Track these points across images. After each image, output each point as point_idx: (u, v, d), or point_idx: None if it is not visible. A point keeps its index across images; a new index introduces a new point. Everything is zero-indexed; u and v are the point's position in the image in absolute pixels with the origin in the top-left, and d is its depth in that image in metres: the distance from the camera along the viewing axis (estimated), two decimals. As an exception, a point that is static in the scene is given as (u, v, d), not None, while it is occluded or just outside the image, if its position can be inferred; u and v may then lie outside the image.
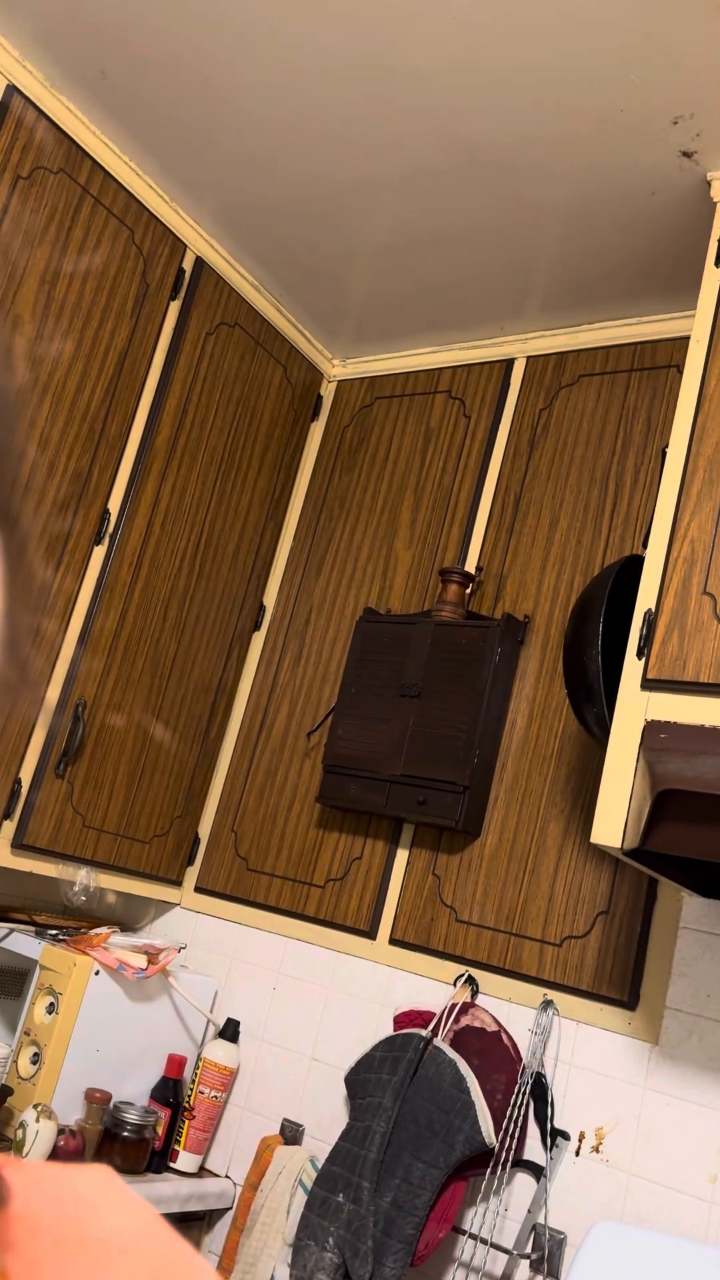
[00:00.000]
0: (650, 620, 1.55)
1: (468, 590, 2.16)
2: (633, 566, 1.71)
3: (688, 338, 1.82)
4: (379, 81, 1.77)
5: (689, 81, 1.63)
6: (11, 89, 1.89)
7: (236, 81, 1.85)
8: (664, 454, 1.67)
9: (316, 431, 2.61)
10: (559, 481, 2.17)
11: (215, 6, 1.71)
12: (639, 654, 1.54)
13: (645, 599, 1.57)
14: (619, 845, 1.45)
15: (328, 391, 2.63)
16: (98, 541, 2.09)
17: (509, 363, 2.34)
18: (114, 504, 2.12)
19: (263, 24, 1.72)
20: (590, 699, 1.64)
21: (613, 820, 1.46)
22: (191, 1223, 2.04)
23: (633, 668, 1.54)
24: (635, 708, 1.52)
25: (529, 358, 2.31)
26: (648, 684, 1.52)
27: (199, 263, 2.26)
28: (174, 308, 2.21)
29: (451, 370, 2.43)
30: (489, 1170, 1.75)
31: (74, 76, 1.93)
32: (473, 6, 1.59)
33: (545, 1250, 1.69)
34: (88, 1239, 0.30)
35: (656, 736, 1.47)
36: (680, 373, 1.96)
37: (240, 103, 1.90)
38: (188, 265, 2.24)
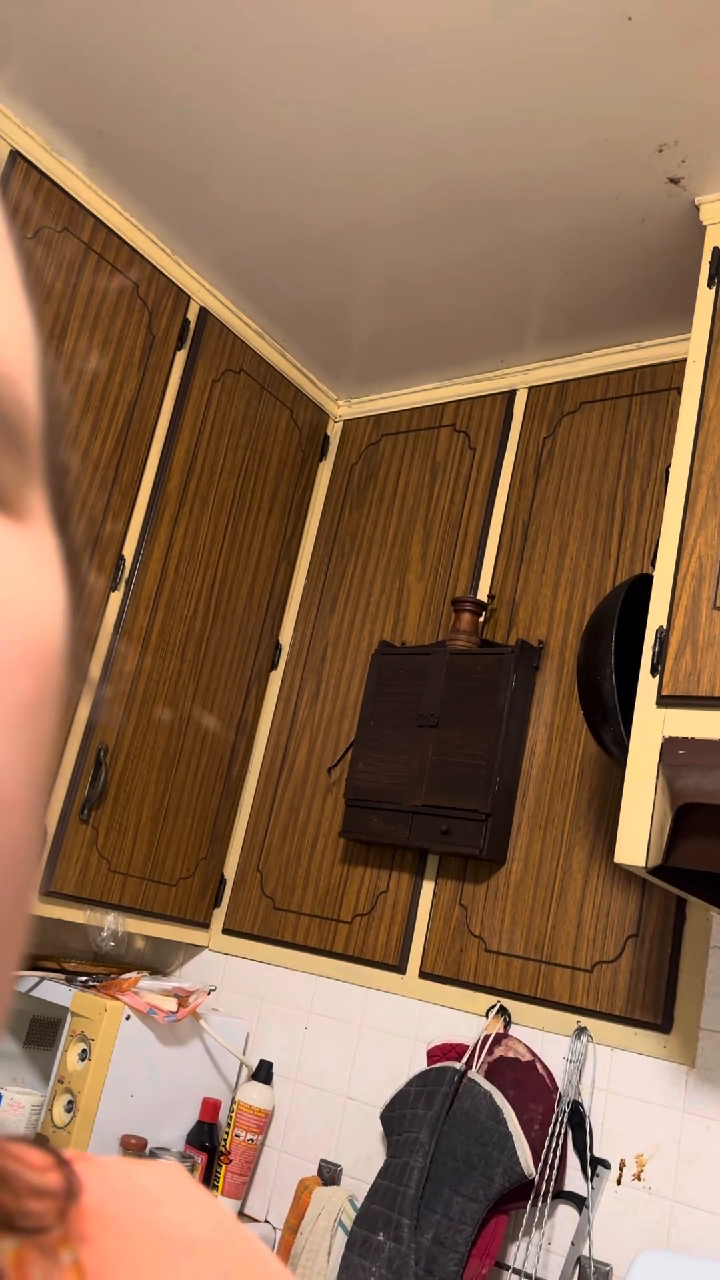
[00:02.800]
0: (662, 637, 1.56)
1: (481, 619, 2.17)
2: (642, 585, 1.72)
3: (685, 360, 1.84)
4: (370, 128, 1.82)
5: (671, 110, 1.66)
6: (14, 154, 1.96)
7: (231, 135, 1.91)
8: (667, 474, 1.69)
9: (325, 471, 2.64)
10: (566, 507, 2.19)
11: (209, 63, 1.77)
12: (653, 671, 1.55)
13: (656, 616, 1.58)
14: (643, 864, 1.45)
15: (334, 431, 2.67)
16: (114, 588, 2.12)
17: (511, 394, 2.37)
18: (128, 550, 2.15)
19: (255, 77, 1.77)
20: (607, 719, 1.64)
21: (635, 839, 1.46)
22: (232, 1270, 2.01)
23: (647, 685, 1.55)
24: (652, 725, 1.52)
25: (530, 388, 2.34)
26: (663, 701, 1.52)
27: (203, 312, 2.31)
28: (180, 357, 2.26)
29: (455, 404, 2.46)
30: (530, 1203, 1.72)
31: (73, 138, 1.99)
32: (457, 52, 1.64)
33: (591, 1283, 1.66)
34: (159, 1234, 0.30)
35: (675, 753, 1.47)
36: (680, 395, 1.99)
37: (236, 156, 1.95)
38: (192, 315, 2.29)
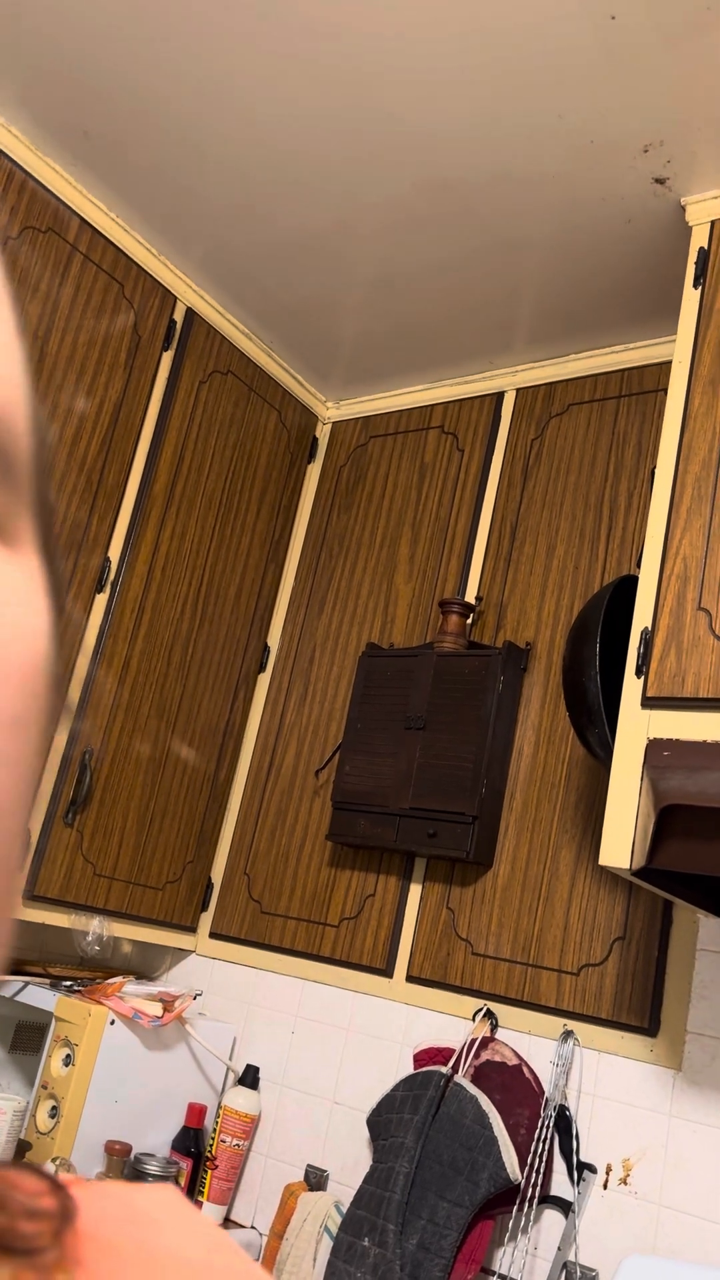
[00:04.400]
0: (647, 638, 1.55)
1: (468, 620, 2.16)
2: (628, 587, 1.72)
3: (672, 360, 1.83)
4: (356, 129, 1.81)
5: (655, 110, 1.66)
6: (-1, 154, 1.95)
7: (217, 135, 1.90)
8: (653, 475, 1.68)
9: (313, 472, 2.63)
10: (554, 509, 2.18)
11: (195, 64, 1.76)
12: (638, 672, 1.54)
13: (641, 618, 1.57)
14: (628, 865, 1.44)
15: (322, 433, 2.66)
16: (99, 589, 2.11)
17: (499, 395, 2.37)
18: (114, 552, 2.14)
19: (241, 78, 1.77)
20: (592, 721, 1.63)
21: (620, 841, 1.45)
22: (218, 1276, 2.00)
23: (632, 687, 1.54)
24: (637, 727, 1.51)
25: (519, 389, 2.34)
26: (648, 702, 1.51)
27: (189, 313, 2.30)
28: (166, 358, 2.25)
29: (443, 406, 2.46)
30: (516, 1208, 1.71)
31: (58, 138, 1.98)
32: (442, 52, 1.63)
33: (577, 1289, 1.64)
34: (155, 1258, 0.30)
35: (659, 754, 1.46)
36: (667, 396, 1.98)
37: (221, 156, 1.95)
38: (178, 316, 2.28)
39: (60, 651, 0.26)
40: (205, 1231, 0.33)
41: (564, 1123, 1.75)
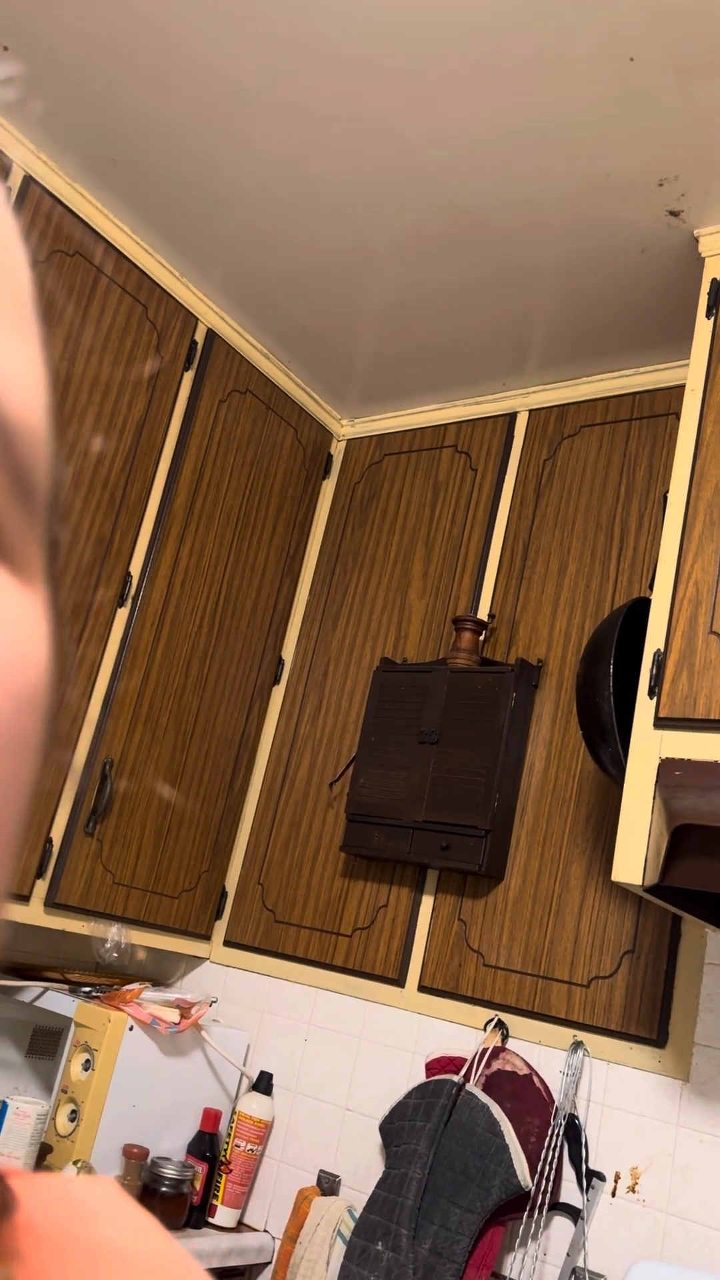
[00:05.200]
0: (660, 660, 1.59)
1: (481, 637, 2.21)
2: (640, 608, 1.76)
3: (684, 386, 1.88)
4: (374, 155, 1.86)
5: (670, 145, 1.71)
6: (28, 179, 2.00)
7: (238, 163, 1.95)
8: (665, 499, 1.73)
9: (328, 489, 2.68)
10: (566, 529, 2.23)
11: (217, 97, 1.81)
12: (650, 694, 1.59)
13: (654, 640, 1.62)
14: (640, 882, 1.48)
15: (338, 451, 2.71)
16: (120, 604, 2.15)
17: (512, 416, 2.41)
18: (135, 567, 2.18)
19: (263, 106, 1.82)
20: (605, 739, 1.68)
21: (632, 858, 1.50)
22: (232, 1278, 2.04)
23: (645, 707, 1.59)
24: (649, 746, 1.56)
25: (531, 411, 2.39)
26: (660, 723, 1.56)
27: (210, 334, 2.35)
28: (188, 378, 2.30)
29: (457, 426, 2.51)
30: (526, 1214, 1.75)
31: (86, 165, 2.03)
32: (461, 83, 1.68)
33: (586, 1294, 1.68)
34: (94, 1250, 0.30)
35: (671, 774, 1.51)
36: (678, 419, 2.03)
37: (242, 182, 2.00)
38: (199, 337, 2.33)
39: (58, 685, 0.26)
40: (142, 1225, 0.33)
41: (573, 1131, 1.79)
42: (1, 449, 0.23)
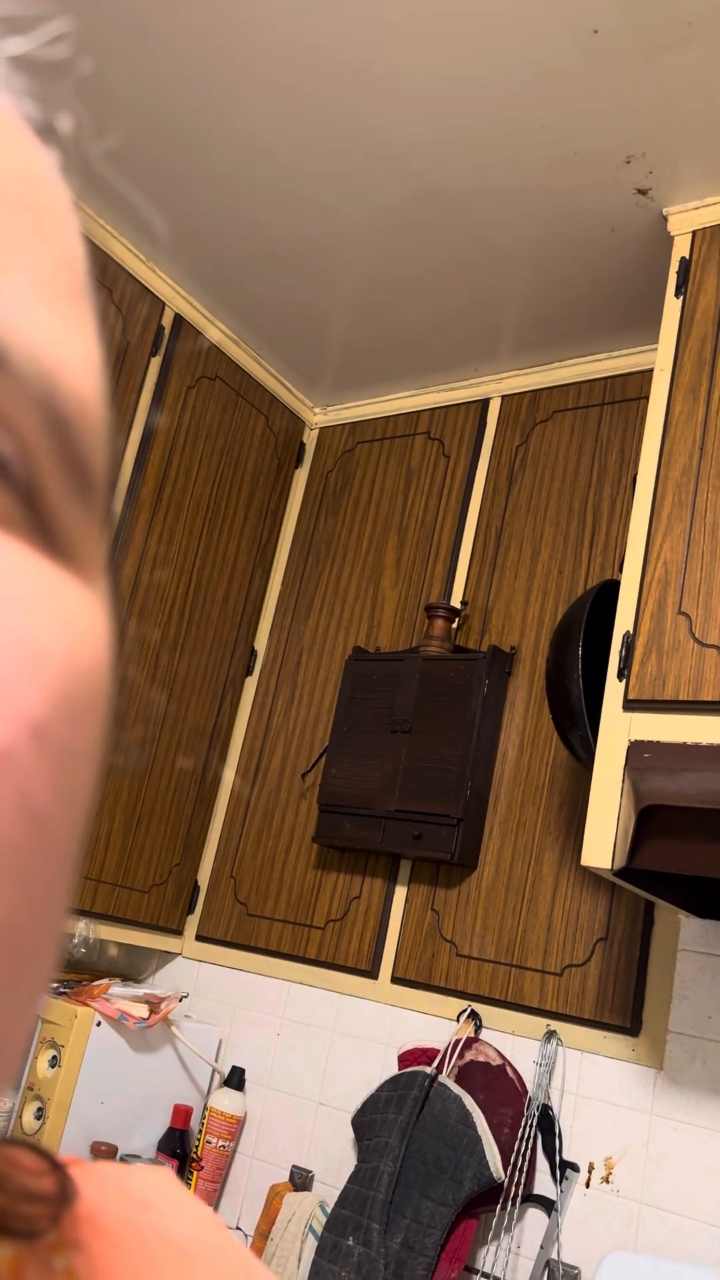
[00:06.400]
0: (629, 642, 1.57)
1: (454, 625, 2.18)
2: (609, 591, 1.74)
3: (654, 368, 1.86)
4: (343, 140, 1.84)
5: (637, 122, 1.69)
6: (-12, 161, 1.96)
7: (206, 145, 1.92)
8: (635, 482, 1.71)
9: (300, 478, 2.65)
10: (538, 515, 2.21)
11: (184, 74, 1.78)
12: (619, 676, 1.56)
13: (623, 621, 1.60)
14: (609, 866, 1.46)
15: (310, 438, 2.68)
16: (86, 593, 2.12)
17: (484, 402, 2.39)
18: (101, 556, 2.15)
19: (231, 88, 1.79)
20: (574, 723, 1.66)
21: (601, 842, 1.47)
22: (203, 1277, 2.00)
23: (614, 690, 1.56)
24: (618, 729, 1.53)
25: (503, 396, 2.36)
26: (629, 705, 1.54)
27: (177, 319, 2.32)
28: (154, 364, 2.26)
29: (429, 412, 2.48)
30: (499, 1206, 1.73)
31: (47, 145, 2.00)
32: (427, 63, 1.66)
33: (560, 1286, 1.66)
34: (153, 1241, 0.30)
35: (640, 756, 1.48)
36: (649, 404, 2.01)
37: (210, 165, 1.97)
38: (166, 322, 2.30)
39: (117, 672, 0.25)
40: (198, 1214, 0.33)
41: (547, 1122, 1.76)
42: (61, 441, 0.22)
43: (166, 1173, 0.35)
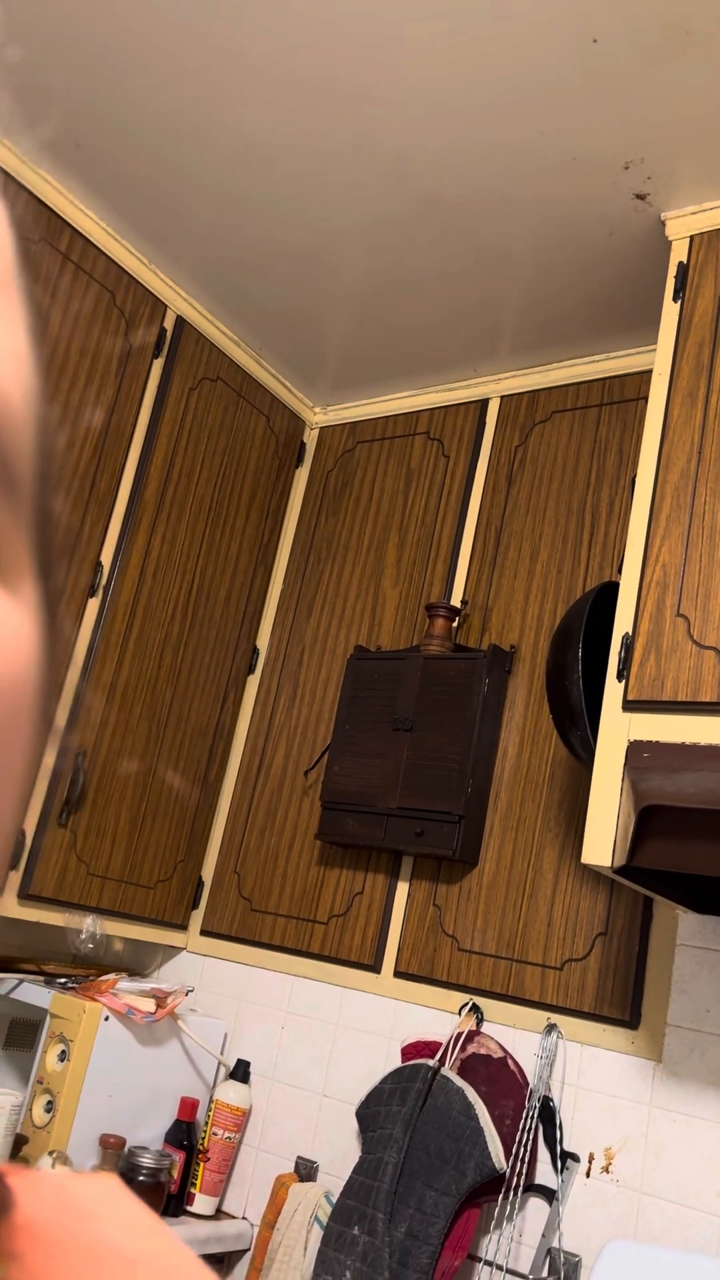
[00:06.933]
0: (628, 643, 1.60)
1: (454, 624, 2.21)
2: (609, 592, 1.76)
3: (652, 371, 1.88)
4: (344, 144, 1.85)
5: (636, 128, 1.71)
6: (-8, 166, 1.98)
7: (208, 149, 1.94)
8: (634, 483, 1.73)
9: (301, 477, 2.67)
10: (537, 515, 2.23)
11: (186, 77, 1.80)
12: (619, 676, 1.59)
13: (622, 623, 1.62)
14: (609, 864, 1.49)
15: (310, 438, 2.70)
16: (91, 594, 2.14)
17: (484, 403, 2.41)
18: (106, 556, 2.17)
19: (232, 91, 1.80)
20: (574, 723, 1.68)
21: (601, 840, 1.50)
22: (210, 1265, 2.04)
23: (613, 690, 1.59)
24: (618, 729, 1.56)
25: (502, 397, 2.39)
26: (628, 705, 1.56)
27: (179, 321, 2.34)
28: (157, 366, 2.28)
29: (429, 413, 2.50)
30: (501, 1196, 1.76)
31: (51, 150, 2.02)
32: (427, 68, 1.67)
33: (561, 1274, 1.70)
34: (93, 1250, 0.29)
35: (639, 756, 1.51)
36: (648, 404, 2.03)
37: (213, 169, 1.98)
38: (169, 324, 2.32)
39: (50, 674, 0.25)
40: (144, 1223, 0.33)
41: (548, 1113, 1.80)
42: None
43: (113, 1181, 0.34)
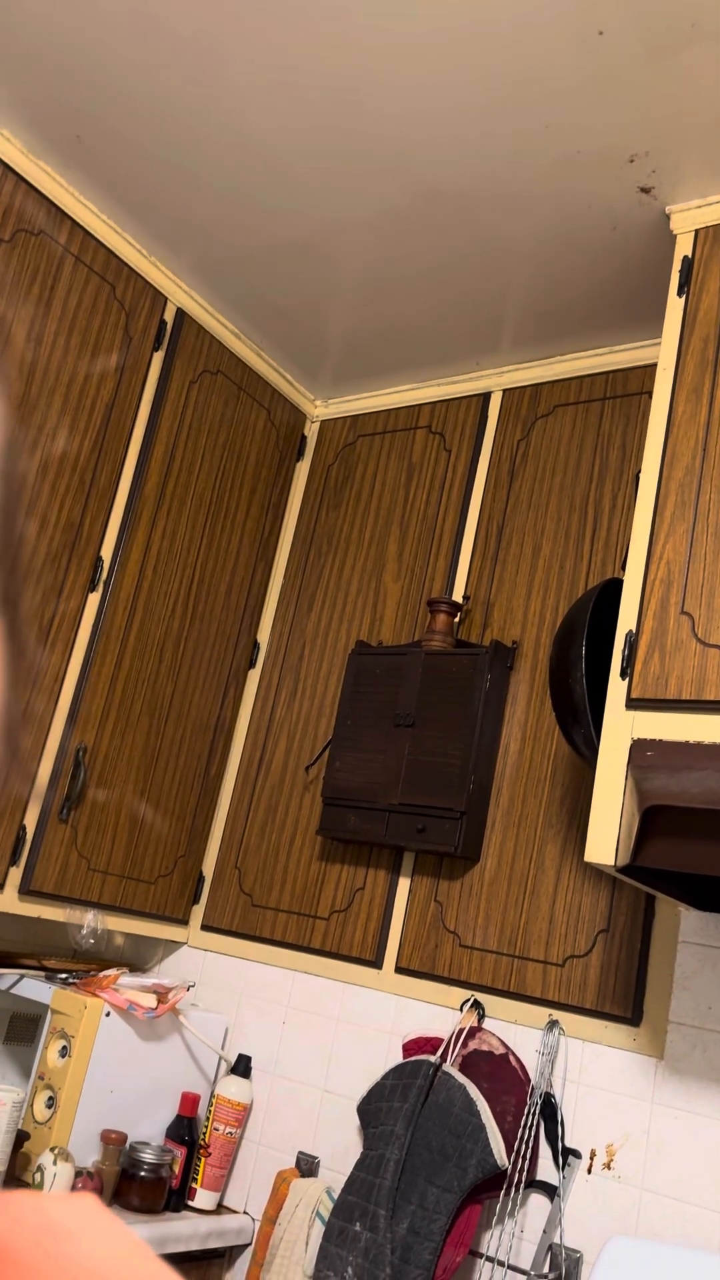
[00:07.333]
0: (631, 641, 1.59)
1: (456, 619, 2.20)
2: (613, 589, 1.76)
3: (656, 365, 1.87)
4: (347, 136, 1.84)
5: (641, 122, 1.69)
6: (-9, 157, 1.96)
7: (209, 141, 1.92)
8: (638, 479, 1.72)
9: (302, 471, 2.66)
10: (540, 509, 2.22)
11: (186, 69, 1.78)
12: (622, 674, 1.58)
13: (626, 621, 1.61)
14: (612, 863, 1.49)
15: (311, 431, 2.69)
16: (92, 588, 2.13)
17: (486, 396, 2.40)
18: (106, 551, 2.16)
19: (232, 83, 1.79)
20: (577, 721, 1.68)
21: (605, 838, 1.50)
22: (212, 1260, 2.05)
23: (617, 688, 1.58)
24: (621, 727, 1.55)
25: (505, 390, 2.37)
26: (632, 703, 1.56)
27: (180, 314, 2.32)
28: (157, 358, 2.27)
29: (431, 406, 2.49)
30: (503, 1192, 1.76)
31: (51, 142, 2.00)
32: (432, 60, 1.66)
33: (562, 1270, 1.70)
34: (69, 1270, 0.29)
35: (643, 754, 1.51)
36: (651, 398, 2.02)
37: (213, 161, 1.97)
38: (169, 317, 2.30)
39: (14, 697, 0.24)
40: (122, 1241, 0.32)
41: (549, 1110, 1.80)
42: None
43: (90, 1201, 0.34)
